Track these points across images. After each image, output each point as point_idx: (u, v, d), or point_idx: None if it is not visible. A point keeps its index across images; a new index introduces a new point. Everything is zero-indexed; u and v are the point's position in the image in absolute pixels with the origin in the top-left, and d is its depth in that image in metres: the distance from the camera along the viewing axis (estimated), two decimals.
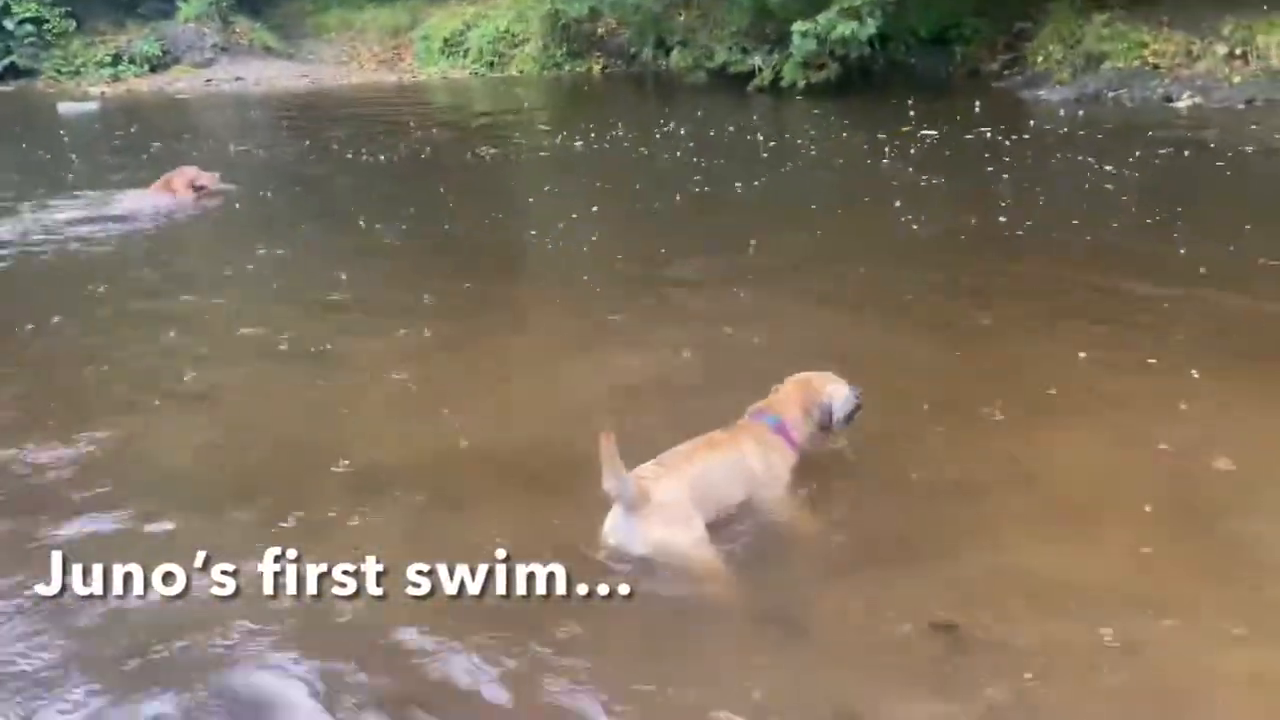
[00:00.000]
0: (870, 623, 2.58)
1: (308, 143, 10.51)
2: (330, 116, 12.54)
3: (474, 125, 11.52)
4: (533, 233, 6.64)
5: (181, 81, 16.37)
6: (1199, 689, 2.32)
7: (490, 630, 2.54)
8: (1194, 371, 3.80)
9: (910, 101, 10.49)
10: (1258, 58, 9.67)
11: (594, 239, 6.37)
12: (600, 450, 2.65)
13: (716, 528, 2.87)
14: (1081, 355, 4.02)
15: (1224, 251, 5.24)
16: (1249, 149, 7.83)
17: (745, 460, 3.03)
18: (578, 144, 9.62)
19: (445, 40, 16.46)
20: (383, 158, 9.40)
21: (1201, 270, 4.96)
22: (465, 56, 16.19)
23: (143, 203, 7.35)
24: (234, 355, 4.61)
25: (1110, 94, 10.14)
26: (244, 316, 5.06)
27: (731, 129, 9.95)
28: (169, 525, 3.06)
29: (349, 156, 9.52)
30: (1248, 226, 5.59)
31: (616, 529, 2.78)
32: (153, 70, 17.04)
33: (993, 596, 2.66)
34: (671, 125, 10.17)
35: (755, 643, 2.56)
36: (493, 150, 9.57)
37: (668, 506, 2.77)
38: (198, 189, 7.50)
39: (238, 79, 16.18)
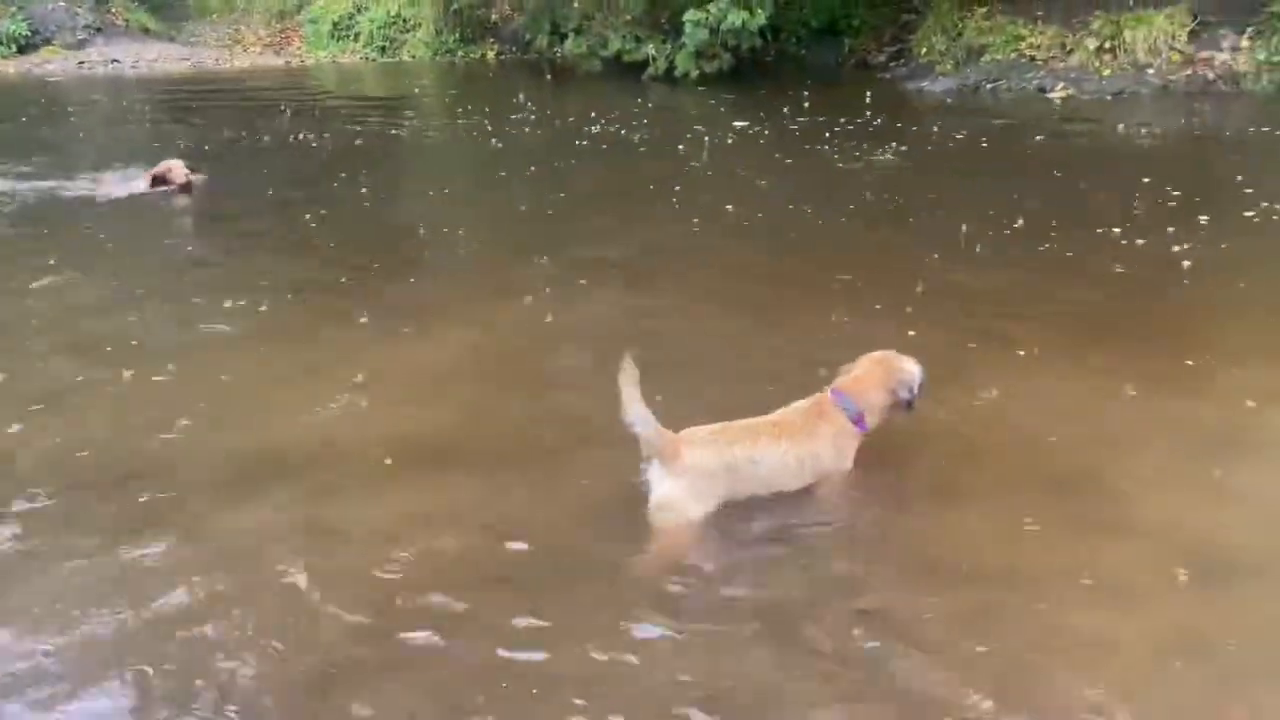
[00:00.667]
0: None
1: (187, 126, 10.15)
2: (211, 100, 12.13)
3: (360, 110, 11.27)
4: (402, 220, 6.57)
5: (52, 63, 15.60)
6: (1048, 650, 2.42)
7: None
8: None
9: (792, 92, 10.67)
10: (1125, 52, 10.10)
11: (454, 228, 6.32)
12: (621, 383, 2.67)
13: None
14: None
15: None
16: (1109, 138, 8.22)
17: (818, 453, 2.95)
18: (463, 129, 9.53)
19: (335, 24, 16.07)
20: (267, 139, 9.14)
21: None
22: (356, 40, 15.83)
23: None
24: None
25: (989, 85, 10.47)
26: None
27: (619, 118, 9.94)
28: None
29: (228, 139, 9.24)
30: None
31: (649, 469, 2.80)
32: (20, 51, 16.19)
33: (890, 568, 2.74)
34: (557, 112, 10.17)
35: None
36: (379, 135, 9.39)
37: (691, 473, 2.79)
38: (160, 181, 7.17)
39: (113, 61, 15.51)
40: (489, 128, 9.66)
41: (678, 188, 6.95)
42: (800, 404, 3.03)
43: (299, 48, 16.40)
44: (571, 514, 2.98)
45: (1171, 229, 5.50)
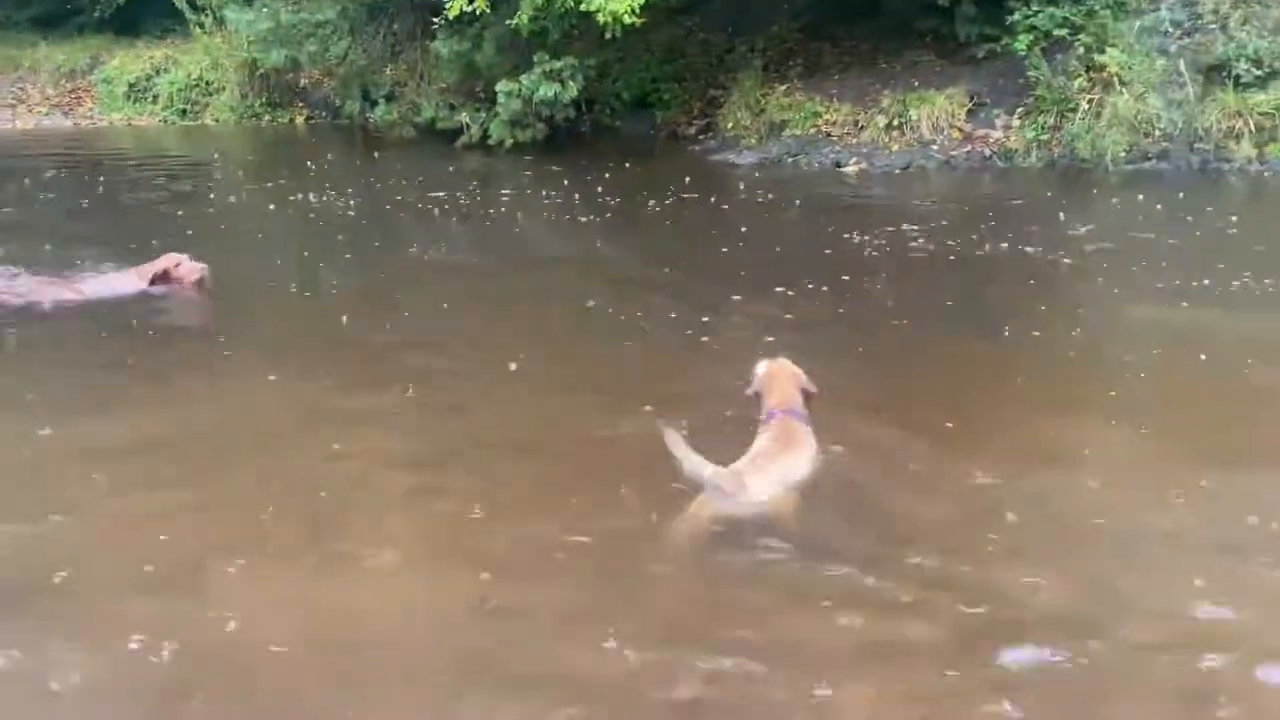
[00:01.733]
0: None
1: None
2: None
3: (151, 173, 10.70)
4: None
5: None
6: None
7: None
8: None
9: (602, 163, 10.90)
10: (911, 129, 10.79)
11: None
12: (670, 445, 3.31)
13: None
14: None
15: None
16: (884, 205, 8.76)
17: (814, 449, 3.62)
18: (264, 198, 9.19)
19: (130, 85, 15.27)
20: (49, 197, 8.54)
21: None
22: (154, 103, 15.09)
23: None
24: None
25: (790, 159, 10.98)
26: None
27: (428, 185, 9.85)
28: None
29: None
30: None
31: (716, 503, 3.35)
32: None
33: None
34: (366, 181, 9.98)
35: None
36: (177, 202, 8.93)
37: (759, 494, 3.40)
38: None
39: None
40: (293, 197, 9.35)
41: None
42: (774, 427, 3.64)
43: (90, 108, 15.49)
44: None
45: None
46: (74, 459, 4.04)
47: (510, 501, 3.77)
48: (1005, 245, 7.32)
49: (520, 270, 7.14)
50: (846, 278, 6.61)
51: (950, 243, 7.45)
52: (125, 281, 6.29)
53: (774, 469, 3.46)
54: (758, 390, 3.78)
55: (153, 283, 6.26)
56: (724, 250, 7.45)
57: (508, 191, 9.85)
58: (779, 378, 3.73)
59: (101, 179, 10.21)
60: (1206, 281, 6.26)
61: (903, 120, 10.85)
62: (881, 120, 10.90)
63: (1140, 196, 9.01)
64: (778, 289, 6.33)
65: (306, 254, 7.66)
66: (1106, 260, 6.91)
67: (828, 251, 7.29)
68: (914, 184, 9.93)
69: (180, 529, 3.55)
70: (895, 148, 10.72)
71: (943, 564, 3.31)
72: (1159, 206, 8.63)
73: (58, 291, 6.11)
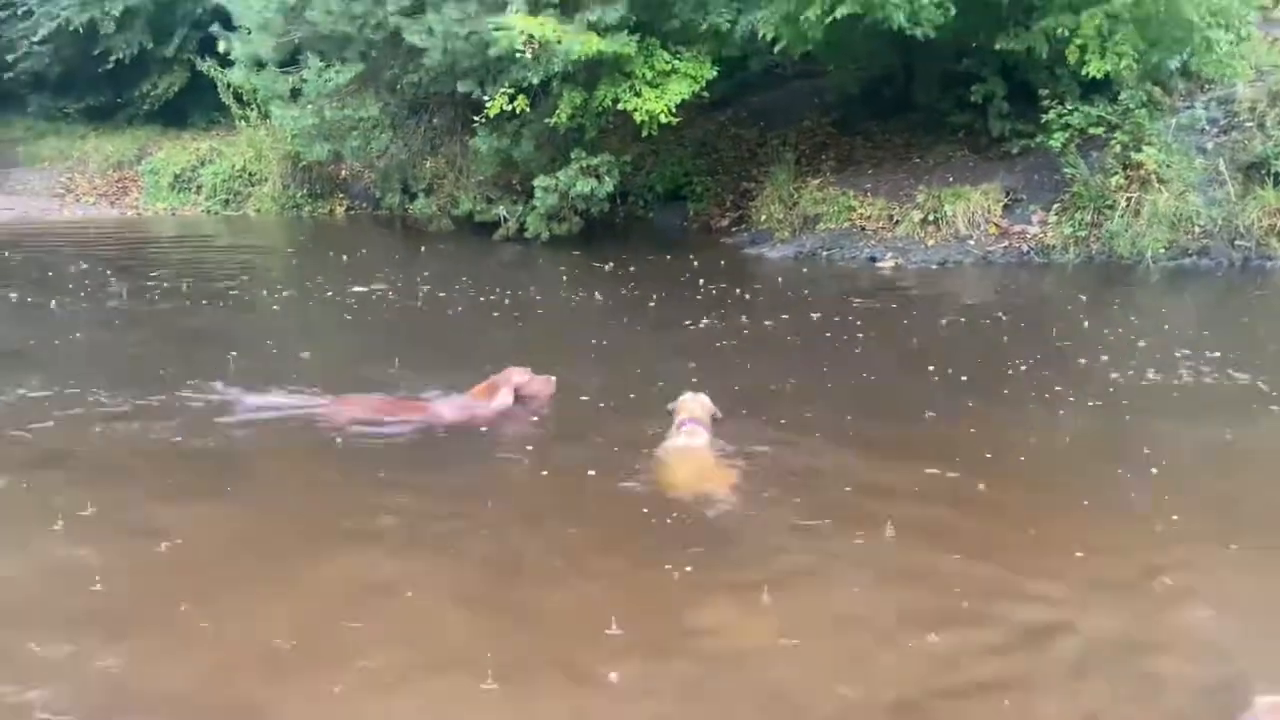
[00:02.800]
0: None
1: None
2: (33, 254, 11.49)
3: (197, 267, 10.87)
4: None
5: None
6: None
7: None
8: None
9: (639, 255, 10.98)
10: (947, 224, 10.80)
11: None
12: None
13: None
14: None
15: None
16: (928, 305, 8.70)
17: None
18: (308, 292, 9.30)
19: (176, 176, 15.66)
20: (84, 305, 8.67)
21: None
22: (198, 193, 15.44)
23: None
24: None
25: (825, 253, 10.99)
26: None
27: (467, 279, 9.94)
28: None
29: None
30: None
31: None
32: None
33: None
34: (408, 273, 10.10)
35: None
36: (219, 295, 9.04)
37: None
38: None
39: None
40: (330, 294, 9.44)
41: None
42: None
43: (136, 198, 15.86)
44: None
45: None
46: None
47: None
48: (1045, 349, 7.22)
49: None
50: (875, 377, 6.53)
51: (988, 344, 7.36)
52: (476, 403, 5.86)
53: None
54: (673, 408, 5.26)
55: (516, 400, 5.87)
56: (756, 350, 7.39)
57: (545, 287, 9.90)
58: (690, 403, 5.25)
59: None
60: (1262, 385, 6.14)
61: (938, 215, 10.86)
62: (917, 215, 10.92)
63: (1183, 294, 8.95)
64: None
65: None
66: (1151, 365, 6.78)
67: (858, 351, 7.21)
68: (951, 280, 9.89)
69: None
70: (931, 243, 10.72)
71: None
72: (1201, 304, 8.54)
73: (413, 413, 5.77)
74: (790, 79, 15.40)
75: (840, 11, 9.34)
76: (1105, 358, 6.86)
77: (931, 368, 6.70)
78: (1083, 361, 6.88)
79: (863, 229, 11.24)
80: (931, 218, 10.91)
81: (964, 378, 6.47)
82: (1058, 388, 6.28)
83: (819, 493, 4.76)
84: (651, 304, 8.83)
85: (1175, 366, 6.63)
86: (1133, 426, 5.65)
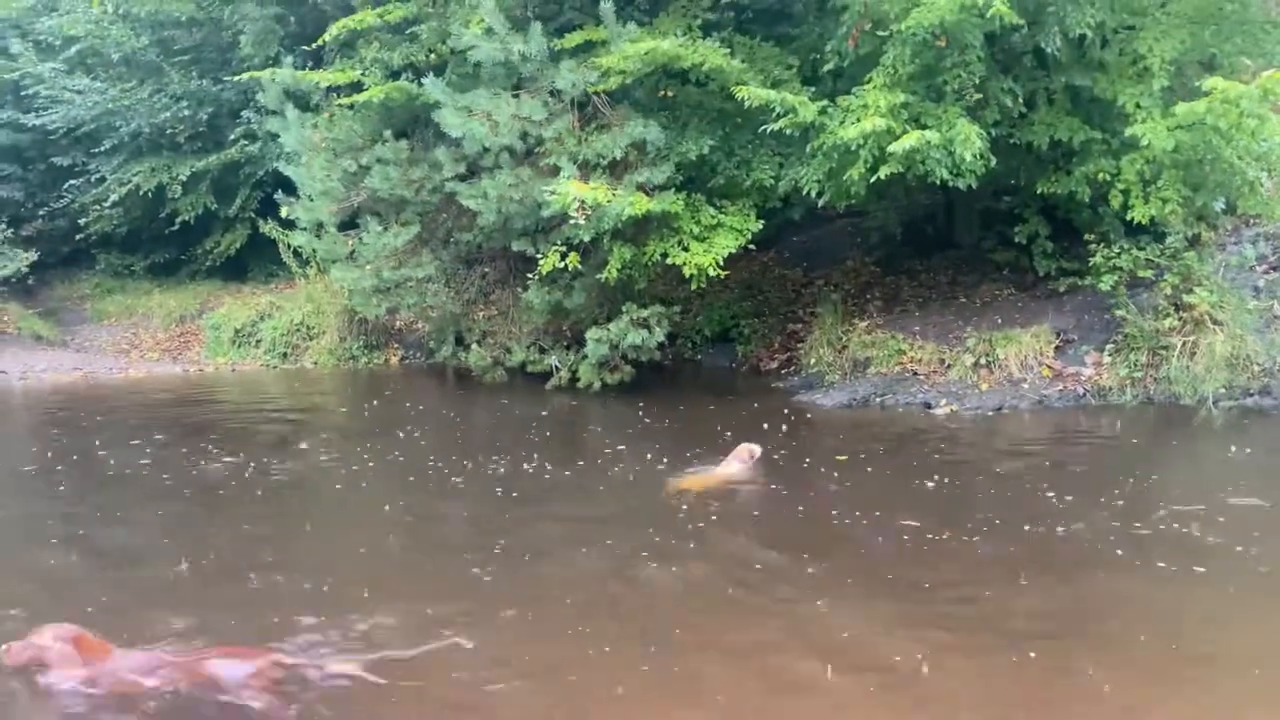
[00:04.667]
0: None
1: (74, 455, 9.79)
2: (94, 416, 11.82)
3: (259, 433, 11.10)
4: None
5: None
6: None
7: None
8: None
9: (688, 406, 11.03)
10: (999, 368, 10.80)
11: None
12: None
13: None
14: None
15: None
16: (981, 451, 8.63)
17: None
18: (364, 460, 9.43)
19: (237, 331, 16.16)
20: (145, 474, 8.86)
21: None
22: (257, 347, 15.90)
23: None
24: None
25: (878, 399, 10.99)
26: None
27: (526, 432, 10.07)
28: None
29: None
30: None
31: None
32: None
33: None
34: (456, 427, 10.22)
35: None
36: (284, 471, 9.21)
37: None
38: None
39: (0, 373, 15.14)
40: (392, 456, 9.59)
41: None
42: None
43: (198, 353, 16.35)
44: None
45: None
46: None
47: None
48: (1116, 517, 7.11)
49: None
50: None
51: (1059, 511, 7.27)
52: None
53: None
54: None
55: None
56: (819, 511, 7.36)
57: (598, 438, 9.97)
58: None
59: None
60: None
61: (989, 359, 10.89)
62: (969, 359, 10.95)
63: (1247, 439, 8.83)
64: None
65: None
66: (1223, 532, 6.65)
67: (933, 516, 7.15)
68: (1009, 427, 9.82)
69: None
70: (985, 387, 10.70)
71: None
72: (1270, 448, 8.40)
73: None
74: (832, 219, 15.72)
75: (883, 172, 9.58)
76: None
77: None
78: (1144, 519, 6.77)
79: (914, 373, 11.27)
80: (983, 361, 10.93)
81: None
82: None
83: None
84: (702, 458, 8.86)
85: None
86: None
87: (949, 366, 11.12)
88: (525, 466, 8.89)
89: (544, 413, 11.52)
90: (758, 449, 8.43)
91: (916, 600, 5.71)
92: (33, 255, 17.44)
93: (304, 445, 10.17)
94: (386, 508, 7.93)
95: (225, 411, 12.63)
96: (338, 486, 8.58)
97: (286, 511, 8.00)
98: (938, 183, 10.06)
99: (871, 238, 14.83)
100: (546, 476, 8.60)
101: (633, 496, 7.98)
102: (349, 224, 13.53)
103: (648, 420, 10.76)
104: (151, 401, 13.03)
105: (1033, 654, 4.93)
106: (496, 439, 10.26)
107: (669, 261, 11.26)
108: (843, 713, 4.56)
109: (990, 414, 10.22)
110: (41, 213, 18.32)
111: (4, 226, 17.54)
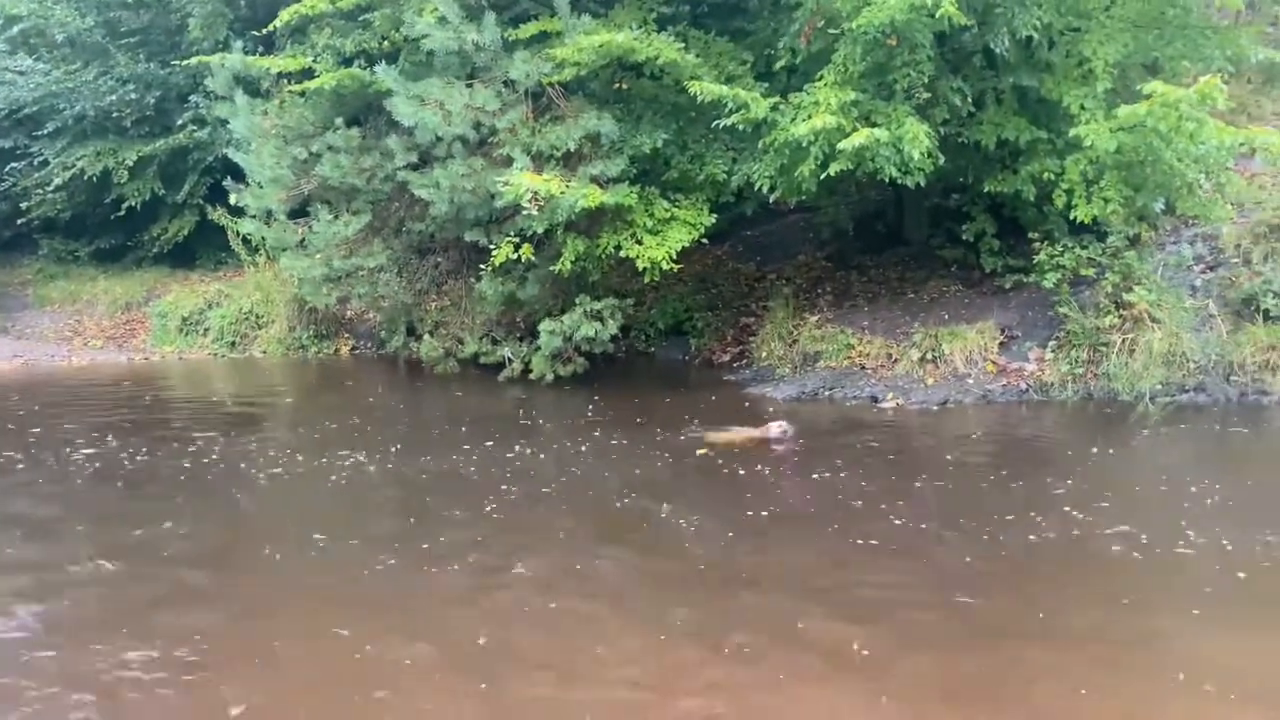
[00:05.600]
0: None
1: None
2: (40, 406, 11.60)
3: (193, 421, 10.96)
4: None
5: None
6: None
7: None
8: None
9: (640, 399, 11.08)
10: (944, 363, 10.98)
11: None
12: None
13: None
14: None
15: None
16: (925, 444, 8.80)
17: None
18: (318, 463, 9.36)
19: (184, 319, 15.91)
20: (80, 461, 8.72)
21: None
22: (205, 335, 15.67)
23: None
24: None
25: (827, 392, 11.11)
26: None
27: (467, 421, 10.06)
28: None
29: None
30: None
31: None
32: None
33: None
34: (413, 420, 10.15)
35: None
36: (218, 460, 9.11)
37: None
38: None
39: None
40: (353, 459, 9.52)
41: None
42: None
43: (143, 340, 16.09)
44: None
45: None
46: None
47: None
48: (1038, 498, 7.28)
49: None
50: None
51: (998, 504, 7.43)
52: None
53: None
54: None
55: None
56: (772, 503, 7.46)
57: (560, 434, 9.99)
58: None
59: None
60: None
61: (936, 354, 11.06)
62: (915, 354, 11.12)
63: (1182, 428, 9.10)
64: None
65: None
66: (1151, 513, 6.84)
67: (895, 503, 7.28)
68: (952, 420, 9.99)
69: None
70: (930, 381, 10.87)
71: None
72: (1201, 445, 8.65)
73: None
74: (785, 214, 15.85)
75: (833, 169, 9.69)
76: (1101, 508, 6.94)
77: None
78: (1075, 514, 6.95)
79: (862, 367, 11.42)
80: (929, 356, 11.10)
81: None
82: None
83: None
84: (660, 450, 8.91)
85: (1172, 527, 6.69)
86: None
87: (896, 361, 11.29)
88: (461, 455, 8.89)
89: (495, 403, 11.51)
90: (789, 425, 9.23)
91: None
92: None
93: (240, 435, 10.05)
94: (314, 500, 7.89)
95: (173, 401, 12.45)
96: (272, 473, 8.52)
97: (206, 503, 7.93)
98: (887, 180, 10.19)
99: (823, 233, 14.98)
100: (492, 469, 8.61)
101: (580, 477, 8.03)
102: (299, 212, 13.38)
103: (602, 409, 10.79)
104: (93, 392, 12.80)
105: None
106: (439, 429, 10.23)
107: (622, 254, 11.29)
108: None
109: (935, 408, 10.39)
110: None
111: None
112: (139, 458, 9.12)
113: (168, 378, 13.95)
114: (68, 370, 14.42)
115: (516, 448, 9.19)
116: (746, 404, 11.02)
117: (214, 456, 9.13)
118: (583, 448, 9.16)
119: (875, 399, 10.74)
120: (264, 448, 9.46)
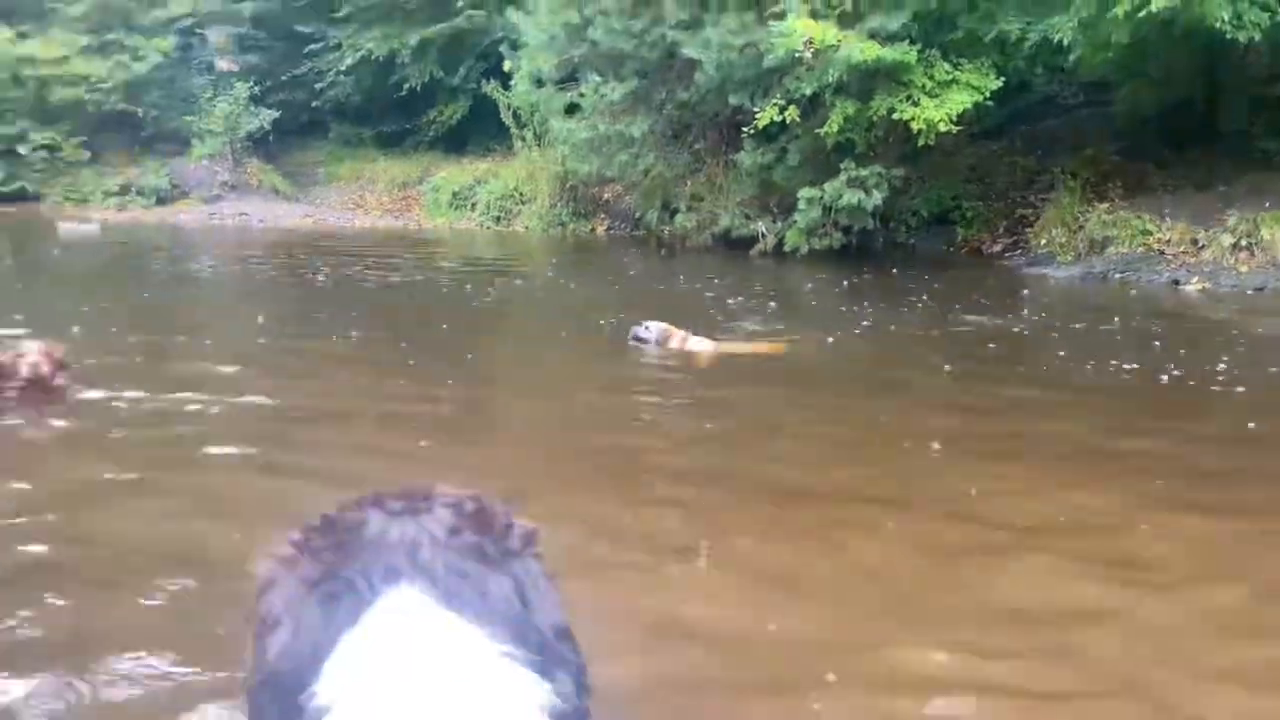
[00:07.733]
0: None
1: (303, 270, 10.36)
2: (326, 250, 12.47)
3: (467, 269, 11.39)
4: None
5: (186, 214, 16.46)
6: None
7: None
8: None
9: (906, 272, 10.47)
10: (1263, 250, 9.68)
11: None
12: None
13: None
14: None
15: None
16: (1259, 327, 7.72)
17: None
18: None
19: (454, 194, 16.68)
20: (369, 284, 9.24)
21: None
22: (473, 210, 16.36)
23: None
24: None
25: (1117, 275, 10.11)
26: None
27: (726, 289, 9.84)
28: None
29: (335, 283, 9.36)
30: None
31: None
32: (160, 202, 17.19)
33: None
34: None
35: None
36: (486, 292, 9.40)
37: None
38: None
39: (241, 214, 16.30)
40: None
41: None
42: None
43: (417, 214, 17.01)
44: None
45: None
46: None
47: None
48: None
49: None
50: None
51: None
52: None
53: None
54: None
55: None
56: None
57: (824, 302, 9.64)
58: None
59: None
60: None
61: (1252, 241, 9.77)
62: (1228, 239, 9.87)
63: None
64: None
65: None
66: None
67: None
68: (1269, 303, 8.80)
69: None
70: (1244, 269, 9.63)
71: None
72: None
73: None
74: (1071, 107, 14.51)
75: (1155, 5, 8.60)
76: None
77: None
78: None
79: (1161, 253, 10.27)
80: (1244, 243, 9.82)
81: None
82: None
83: None
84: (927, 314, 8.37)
85: None
86: None
87: (1202, 247, 10.06)
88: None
89: (746, 275, 11.25)
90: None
91: None
92: (275, 113, 18.50)
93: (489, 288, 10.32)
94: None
95: (446, 256, 13.09)
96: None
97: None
98: (1215, 26, 8.94)
99: (1117, 123, 13.56)
100: None
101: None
102: (568, 80, 13.57)
103: (861, 282, 10.30)
104: (370, 242, 13.64)
105: None
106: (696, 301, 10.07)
107: (896, 117, 10.64)
108: None
109: (1250, 293, 9.19)
110: (284, 78, 19.38)
111: (252, 85, 18.64)
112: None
113: (442, 242, 14.68)
114: (351, 229, 15.48)
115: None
116: (1024, 289, 10.17)
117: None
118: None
119: (1177, 282, 9.64)
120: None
